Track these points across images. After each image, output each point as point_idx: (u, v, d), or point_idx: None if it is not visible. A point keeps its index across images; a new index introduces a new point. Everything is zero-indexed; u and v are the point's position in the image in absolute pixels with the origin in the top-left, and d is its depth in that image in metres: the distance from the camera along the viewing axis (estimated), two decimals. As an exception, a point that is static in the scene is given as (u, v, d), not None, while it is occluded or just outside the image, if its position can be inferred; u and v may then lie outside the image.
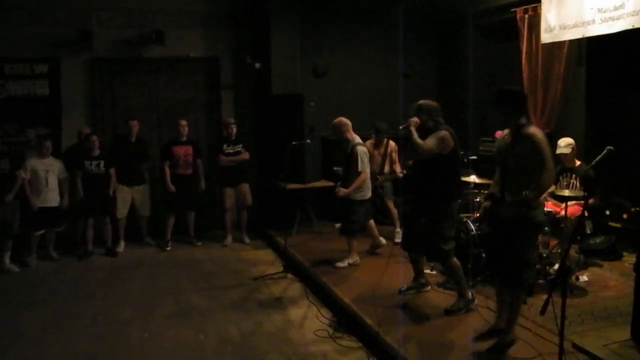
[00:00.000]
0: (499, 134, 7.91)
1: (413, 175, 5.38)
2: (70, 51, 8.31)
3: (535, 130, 4.13)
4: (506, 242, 4.18)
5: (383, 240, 7.15)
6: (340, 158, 7.86)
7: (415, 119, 4.92)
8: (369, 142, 7.60)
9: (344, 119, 6.66)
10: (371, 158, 7.52)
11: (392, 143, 7.70)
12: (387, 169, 7.66)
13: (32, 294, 6.36)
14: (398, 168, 7.68)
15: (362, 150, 6.52)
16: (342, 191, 6.50)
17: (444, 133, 4.89)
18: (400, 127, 5.01)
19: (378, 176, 7.47)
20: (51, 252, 7.64)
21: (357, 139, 6.65)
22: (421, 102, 5.09)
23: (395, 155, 7.72)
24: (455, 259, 5.13)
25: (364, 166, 6.48)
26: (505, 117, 4.23)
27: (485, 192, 6.28)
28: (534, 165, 4.04)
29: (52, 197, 7.44)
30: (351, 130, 6.65)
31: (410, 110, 5.05)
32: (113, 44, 8.49)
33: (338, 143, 7.15)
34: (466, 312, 5.09)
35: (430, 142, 4.84)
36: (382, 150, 7.59)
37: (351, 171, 6.50)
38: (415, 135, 4.81)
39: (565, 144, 6.11)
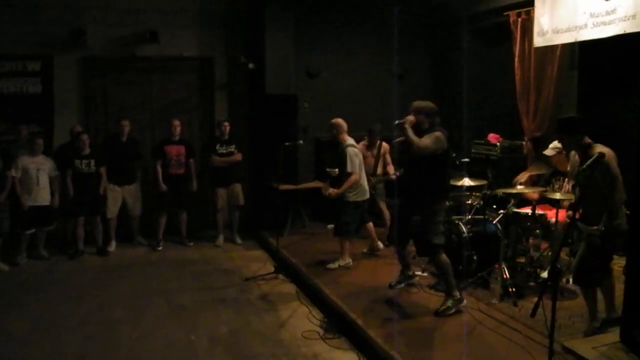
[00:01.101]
0: (491, 136, 7.99)
1: (405, 174, 5.39)
2: (63, 49, 8.27)
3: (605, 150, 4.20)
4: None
5: (381, 245, 7.15)
6: (333, 159, 7.88)
7: (411, 117, 5.01)
8: (362, 144, 7.60)
9: (340, 120, 6.69)
10: (364, 159, 7.53)
11: (385, 145, 7.69)
12: (380, 170, 7.66)
13: (22, 293, 6.32)
14: (391, 169, 7.68)
15: (352, 151, 6.53)
16: (332, 191, 6.50)
17: (439, 134, 4.97)
18: (396, 123, 5.06)
19: (371, 178, 7.46)
20: (41, 251, 7.59)
21: (350, 141, 6.65)
22: (419, 102, 5.16)
23: (388, 157, 7.72)
24: (445, 257, 5.18)
25: (354, 167, 6.48)
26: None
27: (477, 194, 6.32)
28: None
29: (42, 196, 7.40)
30: (345, 133, 6.67)
31: (408, 109, 5.09)
32: (106, 42, 8.46)
33: (331, 144, 7.14)
34: (456, 312, 5.10)
35: (426, 140, 4.92)
36: (374, 151, 7.59)
37: (343, 171, 6.52)
38: (411, 132, 4.93)
39: (552, 146, 6.15)
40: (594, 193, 4.21)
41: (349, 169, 6.44)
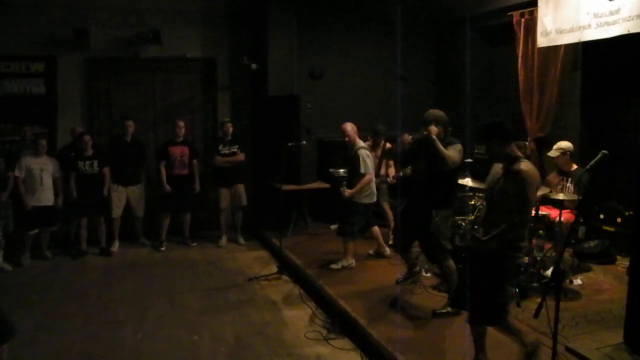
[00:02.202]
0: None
1: (416, 176, 5.36)
2: (66, 50, 8.28)
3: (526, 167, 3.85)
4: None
5: (388, 251, 7.10)
6: (337, 160, 7.89)
7: (435, 128, 4.96)
8: (366, 144, 7.60)
9: (350, 125, 6.74)
10: None
11: (389, 146, 7.70)
12: (383, 171, 7.65)
13: (26, 293, 6.34)
14: (392, 172, 7.65)
15: (365, 152, 6.58)
16: (347, 192, 6.51)
17: (459, 146, 5.01)
18: (424, 134, 4.97)
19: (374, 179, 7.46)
20: (45, 251, 7.62)
21: (362, 144, 6.75)
22: (436, 111, 5.14)
23: (390, 159, 7.70)
24: (451, 262, 5.16)
25: (368, 168, 6.51)
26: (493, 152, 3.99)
27: (480, 195, 6.31)
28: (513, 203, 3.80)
29: (46, 196, 7.42)
30: (357, 136, 6.75)
31: (426, 118, 5.04)
32: (110, 43, 8.47)
33: (334, 145, 7.15)
34: (454, 314, 5.08)
35: (454, 154, 4.92)
36: (379, 152, 7.57)
37: (356, 174, 6.55)
38: (440, 145, 4.87)
39: (556, 147, 6.16)
40: (501, 210, 3.86)
41: (362, 170, 6.46)
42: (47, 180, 7.41)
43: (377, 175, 7.50)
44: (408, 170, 7.61)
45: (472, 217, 6.05)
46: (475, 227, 4.22)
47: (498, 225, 3.82)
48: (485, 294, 3.89)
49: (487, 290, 3.88)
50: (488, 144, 3.97)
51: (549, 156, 6.18)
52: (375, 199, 6.78)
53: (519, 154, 3.94)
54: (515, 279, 4.12)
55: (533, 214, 5.66)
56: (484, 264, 3.90)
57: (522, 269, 4.00)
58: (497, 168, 4.04)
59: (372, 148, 7.61)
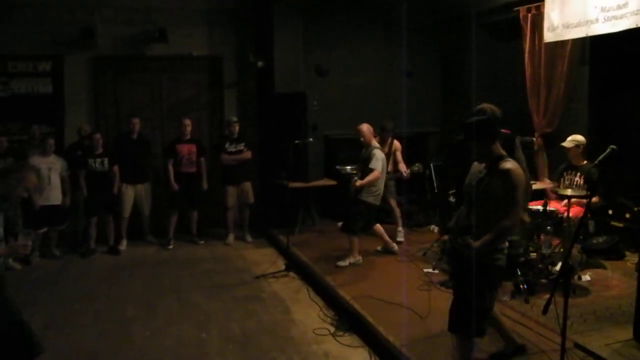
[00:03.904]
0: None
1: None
2: (73, 49, 8.31)
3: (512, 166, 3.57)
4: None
5: (395, 247, 7.12)
6: (344, 157, 7.88)
7: None
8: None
9: (366, 126, 6.81)
10: None
11: (396, 142, 7.68)
12: (390, 168, 7.63)
13: (35, 291, 6.38)
14: (403, 167, 7.61)
15: (379, 153, 6.67)
16: (358, 182, 6.57)
17: None
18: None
19: None
20: (53, 250, 7.66)
21: (376, 144, 6.81)
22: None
23: (399, 155, 7.68)
24: None
25: (378, 165, 6.56)
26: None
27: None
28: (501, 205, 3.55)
29: (54, 195, 7.45)
30: (372, 136, 6.84)
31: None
32: (116, 42, 8.50)
33: (341, 142, 7.14)
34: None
35: None
36: (386, 149, 7.53)
37: (367, 170, 6.60)
38: None
39: (571, 138, 6.13)
40: (487, 212, 3.59)
41: (372, 166, 6.52)
42: (55, 179, 7.44)
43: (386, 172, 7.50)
44: (416, 167, 7.64)
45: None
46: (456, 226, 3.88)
47: (485, 228, 3.56)
48: (463, 301, 3.67)
49: (465, 297, 3.65)
50: (474, 144, 3.65)
51: (563, 146, 6.14)
52: (379, 202, 6.80)
53: (504, 152, 3.65)
54: (496, 283, 3.82)
55: (541, 210, 5.66)
56: (464, 268, 3.63)
57: (503, 267, 3.67)
58: (478, 166, 3.73)
59: (380, 144, 7.60)
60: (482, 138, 3.61)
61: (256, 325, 5.37)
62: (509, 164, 3.54)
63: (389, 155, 7.58)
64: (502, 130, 3.79)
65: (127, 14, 8.53)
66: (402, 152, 7.77)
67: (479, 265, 3.55)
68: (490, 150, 3.61)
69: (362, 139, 6.77)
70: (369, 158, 6.61)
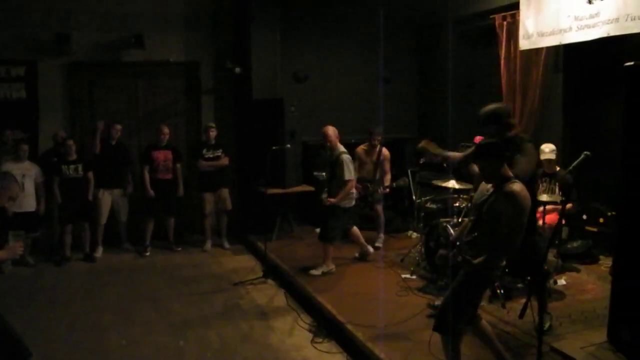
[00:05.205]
0: (478, 139, 8.02)
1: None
2: (47, 54, 8.20)
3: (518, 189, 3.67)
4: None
5: (371, 249, 7.13)
6: (321, 163, 7.85)
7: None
8: (361, 147, 7.60)
9: (331, 128, 6.68)
10: (363, 164, 7.52)
11: (385, 151, 7.54)
12: (378, 175, 7.54)
13: (8, 300, 6.24)
14: (387, 181, 7.49)
15: (347, 158, 6.54)
16: (330, 200, 6.48)
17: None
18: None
19: (368, 185, 7.39)
20: (27, 257, 7.51)
21: (342, 148, 6.66)
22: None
23: (387, 165, 7.55)
24: None
25: (350, 174, 6.49)
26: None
27: (465, 196, 6.34)
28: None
29: (28, 202, 7.31)
30: (338, 140, 6.68)
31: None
32: (92, 47, 8.41)
33: (318, 148, 7.11)
34: None
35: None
36: (374, 157, 7.46)
37: (336, 179, 6.50)
38: None
39: (549, 149, 6.24)
40: (489, 231, 3.71)
41: (346, 177, 6.43)
42: (29, 186, 7.32)
43: (373, 180, 7.43)
44: (402, 181, 7.62)
45: (457, 221, 6.06)
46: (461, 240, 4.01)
47: (485, 247, 3.69)
48: (451, 304, 3.79)
49: (453, 300, 3.78)
50: (483, 164, 3.80)
51: (547, 159, 6.22)
52: (353, 202, 6.74)
53: (511, 174, 3.76)
54: (483, 292, 3.99)
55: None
56: (459, 278, 3.83)
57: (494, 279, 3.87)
58: (486, 185, 3.88)
59: (367, 152, 7.57)
60: (490, 159, 3.74)
61: (234, 333, 5.34)
62: (516, 186, 3.65)
63: (377, 164, 7.45)
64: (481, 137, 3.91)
65: (103, 19, 8.43)
66: (391, 163, 7.65)
67: (474, 275, 3.73)
68: (498, 171, 3.71)
69: (328, 143, 6.64)
70: (337, 165, 6.49)
